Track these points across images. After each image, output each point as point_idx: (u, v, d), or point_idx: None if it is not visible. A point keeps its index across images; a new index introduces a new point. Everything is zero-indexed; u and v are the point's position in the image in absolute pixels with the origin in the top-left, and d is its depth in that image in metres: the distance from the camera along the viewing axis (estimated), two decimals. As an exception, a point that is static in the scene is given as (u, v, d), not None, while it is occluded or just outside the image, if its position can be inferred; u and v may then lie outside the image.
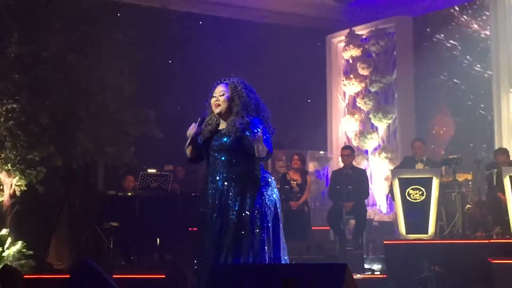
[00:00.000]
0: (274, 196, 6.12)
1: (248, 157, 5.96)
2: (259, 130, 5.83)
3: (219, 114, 6.04)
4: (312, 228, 12.93)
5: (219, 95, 6.00)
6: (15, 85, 12.08)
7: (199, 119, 6.09)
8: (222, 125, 6.07)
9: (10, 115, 12.00)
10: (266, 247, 5.95)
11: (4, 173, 12.31)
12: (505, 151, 12.69)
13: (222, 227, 5.99)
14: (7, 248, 12.16)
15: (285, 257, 6.20)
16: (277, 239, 6.11)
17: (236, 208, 5.97)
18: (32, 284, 10.77)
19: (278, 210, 6.14)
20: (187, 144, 6.13)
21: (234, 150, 5.98)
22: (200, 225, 6.22)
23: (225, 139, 6.01)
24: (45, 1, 12.53)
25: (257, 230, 5.95)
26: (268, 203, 6.02)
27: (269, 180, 6.16)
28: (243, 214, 5.96)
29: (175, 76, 14.85)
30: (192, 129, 6.08)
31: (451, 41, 15.57)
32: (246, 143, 5.90)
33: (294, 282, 5.00)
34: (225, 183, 6.04)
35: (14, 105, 11.98)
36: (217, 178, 6.08)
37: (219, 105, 6.00)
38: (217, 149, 6.05)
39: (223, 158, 6.03)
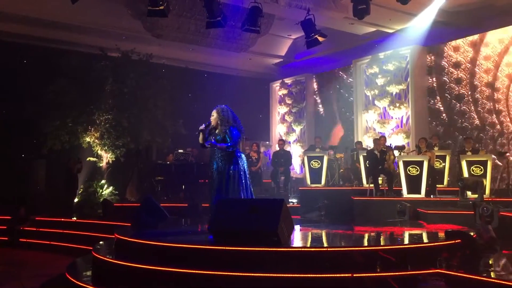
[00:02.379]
0: (245, 164, 6.27)
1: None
2: (228, 139, 6.09)
3: (215, 125, 6.25)
4: (263, 181, 12.76)
5: (212, 116, 6.24)
6: (109, 105, 12.14)
7: (206, 123, 6.19)
8: (218, 130, 6.21)
9: (106, 121, 12.08)
10: (243, 190, 6.14)
11: (103, 151, 12.36)
12: (360, 143, 12.93)
13: (220, 180, 6.12)
14: (105, 190, 12.36)
15: (253, 194, 6.36)
16: (247, 186, 6.25)
17: (226, 170, 6.12)
18: (118, 208, 10.79)
19: (247, 171, 6.29)
20: (197, 133, 6.20)
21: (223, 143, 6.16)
22: (209, 180, 6.54)
23: (219, 137, 6.17)
24: (126, 63, 12.57)
25: (238, 181, 6.12)
26: (242, 168, 6.20)
27: (242, 156, 6.32)
28: (230, 173, 6.11)
29: (192, 102, 14.67)
30: (201, 127, 6.15)
31: (336, 86, 15.50)
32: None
33: (256, 208, 5.12)
34: (220, 158, 6.18)
35: (109, 116, 12.06)
36: (217, 154, 6.20)
37: (212, 121, 6.20)
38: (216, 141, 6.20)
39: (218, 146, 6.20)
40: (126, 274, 5.14)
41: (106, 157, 12.60)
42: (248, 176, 6.33)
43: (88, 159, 12.63)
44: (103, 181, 12.57)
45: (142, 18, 11.82)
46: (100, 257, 5.78)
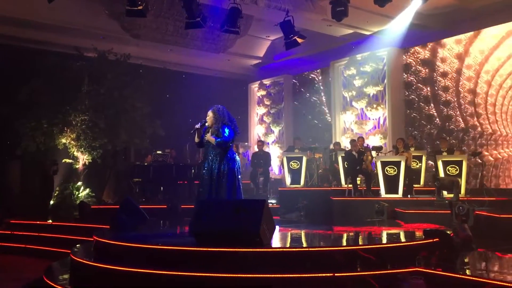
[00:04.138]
0: (237, 166, 6.24)
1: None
2: (219, 136, 6.08)
3: (210, 125, 6.25)
4: (242, 182, 12.66)
5: (208, 116, 6.24)
6: (86, 106, 11.99)
7: (202, 121, 6.25)
8: (212, 129, 6.21)
9: (83, 122, 11.94)
10: (230, 191, 6.12)
11: (79, 153, 12.20)
12: (338, 143, 13.00)
13: (210, 180, 6.12)
14: (81, 192, 12.25)
15: (242, 196, 6.32)
16: (239, 187, 6.25)
17: (216, 170, 6.12)
18: (95, 210, 10.58)
19: (238, 173, 6.25)
20: (192, 132, 6.25)
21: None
22: (199, 178, 6.36)
23: (213, 136, 6.16)
24: (103, 63, 12.45)
25: (228, 181, 6.11)
26: (233, 168, 6.18)
27: (235, 157, 6.30)
28: (221, 172, 6.10)
29: (170, 103, 14.62)
30: (196, 125, 6.23)
31: (308, 89, 15.69)
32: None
33: (239, 209, 5.07)
34: (213, 157, 6.18)
35: (85, 117, 11.92)
36: (209, 154, 6.21)
37: (208, 120, 6.22)
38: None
39: (211, 144, 6.21)
40: (106, 277, 5.07)
41: (83, 158, 12.41)
42: (239, 178, 6.32)
43: (64, 160, 12.42)
44: (79, 183, 12.40)
45: (120, 18, 11.68)
46: (79, 259, 5.67)
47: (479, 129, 12.05)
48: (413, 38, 12.52)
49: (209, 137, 6.18)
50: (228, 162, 6.18)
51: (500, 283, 4.16)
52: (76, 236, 8.71)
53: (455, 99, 12.50)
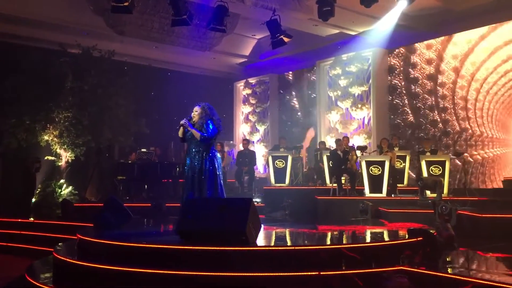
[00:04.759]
0: (218, 164, 6.22)
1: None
2: (203, 132, 6.10)
3: (196, 121, 6.22)
4: (227, 180, 12.20)
5: (195, 111, 6.26)
6: (69, 103, 11.88)
7: (188, 117, 6.25)
8: (197, 124, 6.20)
9: (66, 119, 11.83)
10: (212, 189, 6.10)
11: (62, 150, 12.09)
12: (323, 142, 13.02)
13: (192, 178, 6.12)
14: (64, 190, 12.13)
15: (224, 195, 6.32)
16: (219, 186, 6.21)
17: (198, 167, 6.12)
18: (78, 208, 10.39)
19: (220, 171, 6.24)
20: (178, 127, 6.25)
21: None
22: (183, 178, 6.38)
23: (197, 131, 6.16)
24: (87, 59, 12.38)
25: (210, 179, 6.09)
26: (214, 166, 6.16)
27: (216, 154, 6.30)
28: (202, 170, 6.08)
29: (155, 101, 14.52)
30: (182, 121, 6.21)
31: (299, 88, 15.87)
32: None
33: (224, 207, 5.07)
34: (195, 153, 6.19)
35: (69, 114, 11.82)
36: (191, 150, 6.21)
37: (195, 116, 6.25)
38: (192, 136, 6.23)
39: (194, 140, 6.21)
40: (90, 275, 5.01)
41: (66, 155, 12.29)
42: (221, 176, 6.32)
43: (46, 157, 12.26)
44: (62, 181, 12.27)
45: (105, 14, 11.60)
46: (62, 258, 5.60)
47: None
48: (398, 39, 12.63)
49: (192, 130, 6.15)
50: (209, 160, 6.18)
51: (481, 281, 4.23)
52: (59, 234, 8.56)
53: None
